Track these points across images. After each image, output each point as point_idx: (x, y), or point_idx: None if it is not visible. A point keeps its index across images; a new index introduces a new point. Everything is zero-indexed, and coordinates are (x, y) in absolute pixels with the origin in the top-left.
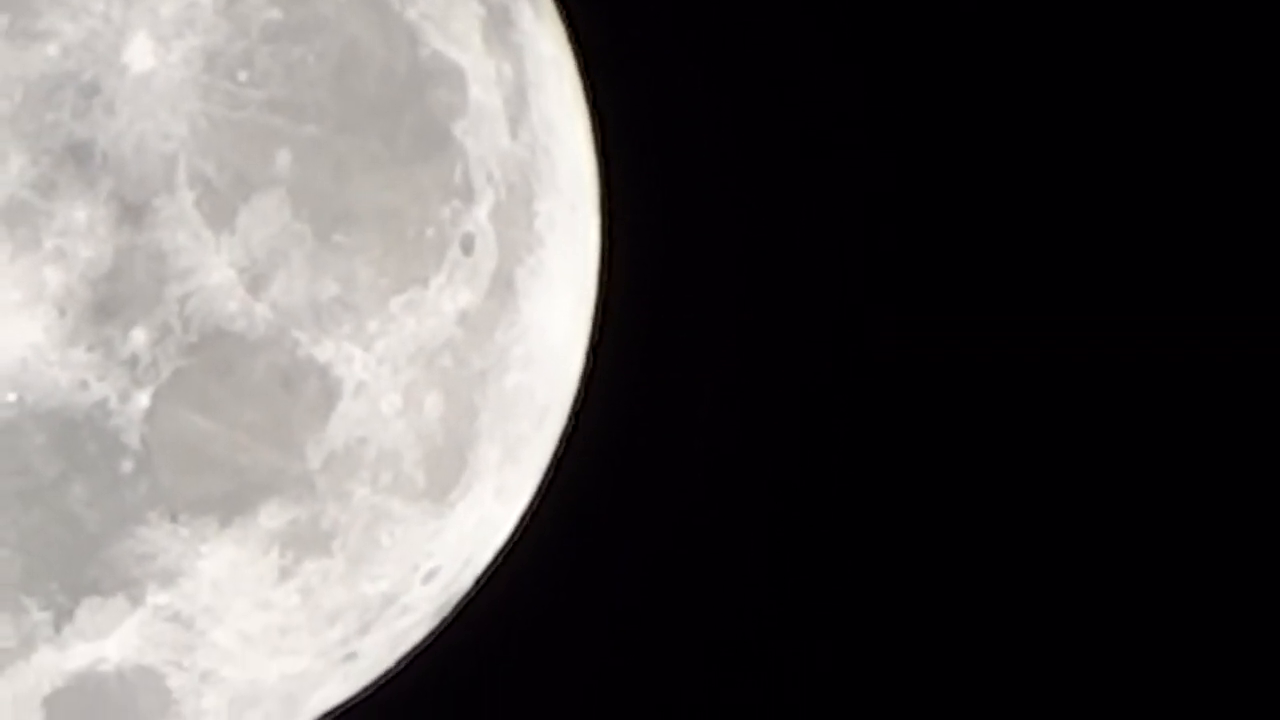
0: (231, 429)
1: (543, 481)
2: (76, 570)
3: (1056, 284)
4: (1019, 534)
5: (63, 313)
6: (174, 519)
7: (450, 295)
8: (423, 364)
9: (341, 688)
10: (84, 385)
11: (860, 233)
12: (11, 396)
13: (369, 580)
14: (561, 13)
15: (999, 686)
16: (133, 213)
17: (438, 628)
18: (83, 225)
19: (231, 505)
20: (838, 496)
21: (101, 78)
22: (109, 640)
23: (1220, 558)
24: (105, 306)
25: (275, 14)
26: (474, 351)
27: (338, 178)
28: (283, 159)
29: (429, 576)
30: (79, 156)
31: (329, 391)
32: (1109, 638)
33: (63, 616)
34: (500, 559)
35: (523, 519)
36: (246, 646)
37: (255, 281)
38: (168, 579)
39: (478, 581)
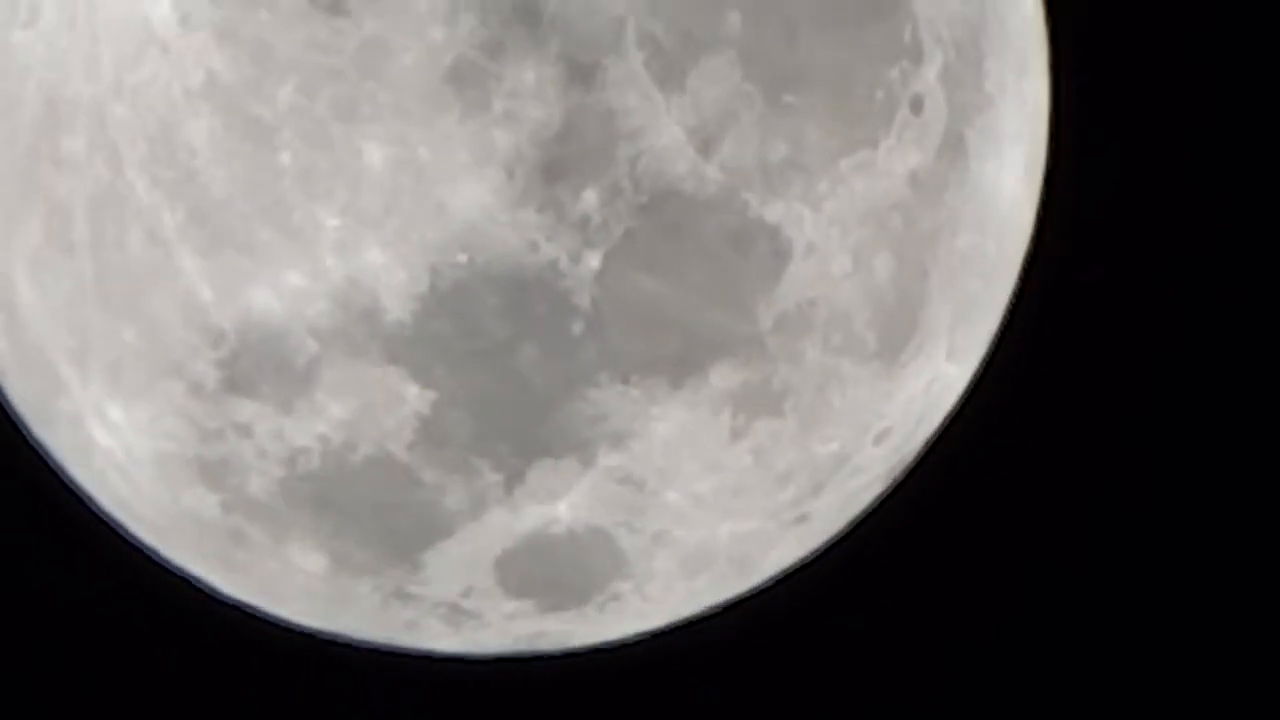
0: (682, 290)
1: (994, 341)
2: (528, 432)
3: None
4: None
5: (512, 174)
6: (625, 380)
7: (900, 156)
8: (873, 225)
9: (793, 549)
10: (534, 246)
11: None
12: (462, 258)
13: (820, 441)
14: None
15: None
16: (582, 73)
17: (888, 488)
18: (531, 86)
19: (682, 366)
20: None
21: None
22: (560, 502)
23: None
24: (555, 168)
25: None
26: (924, 212)
27: (787, 38)
28: (732, 19)
29: (880, 437)
30: (527, 17)
31: (779, 252)
32: None
33: (514, 478)
34: (951, 419)
35: (974, 379)
36: (698, 508)
37: (705, 142)
38: (619, 440)
39: (929, 442)
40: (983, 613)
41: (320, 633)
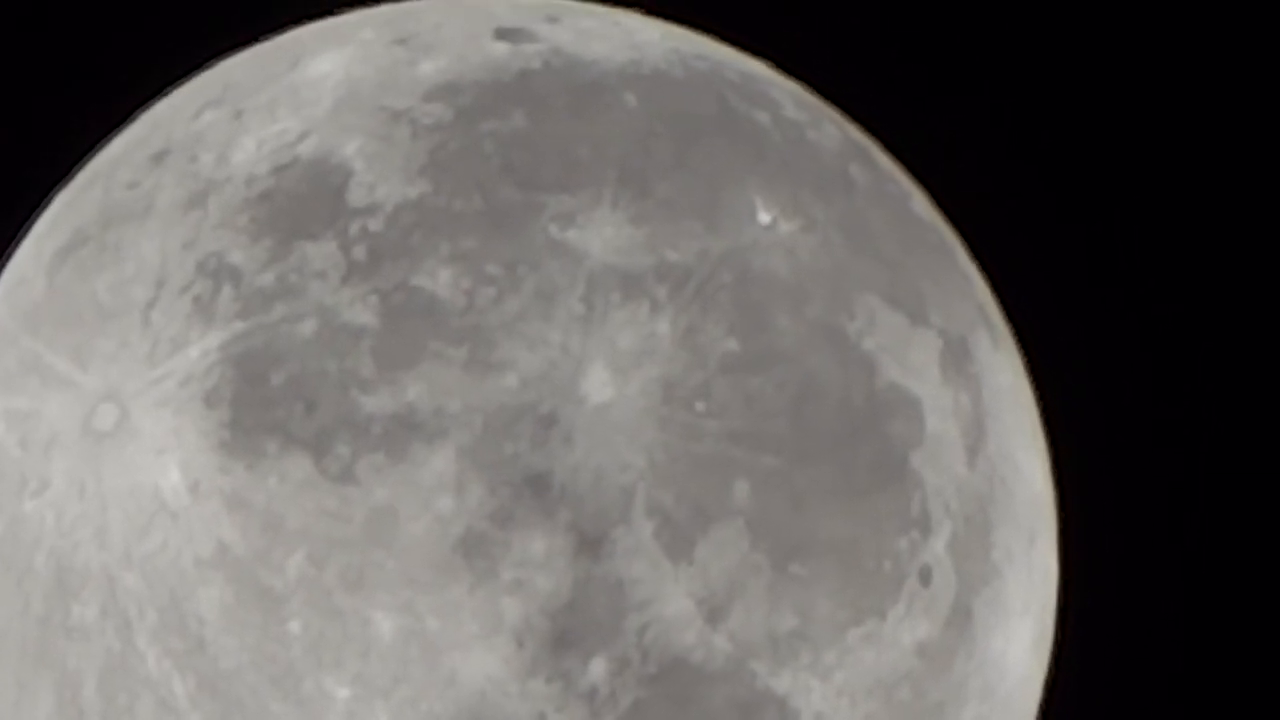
0: None
1: None
2: None
3: None
4: None
5: (521, 644)
6: None
7: (908, 627)
8: (881, 696)
9: None
10: (542, 717)
11: None
12: None
13: None
14: (1019, 342)
15: None
16: (590, 544)
17: None
18: (540, 556)
19: None
20: None
21: (559, 408)
22: None
23: None
24: (564, 638)
25: (733, 345)
26: (932, 683)
27: (795, 508)
28: (740, 490)
29: None
30: (537, 487)
31: None
32: None
33: None
34: None
35: None
36: None
37: (713, 612)
38: None
39: None
40: None
41: None
